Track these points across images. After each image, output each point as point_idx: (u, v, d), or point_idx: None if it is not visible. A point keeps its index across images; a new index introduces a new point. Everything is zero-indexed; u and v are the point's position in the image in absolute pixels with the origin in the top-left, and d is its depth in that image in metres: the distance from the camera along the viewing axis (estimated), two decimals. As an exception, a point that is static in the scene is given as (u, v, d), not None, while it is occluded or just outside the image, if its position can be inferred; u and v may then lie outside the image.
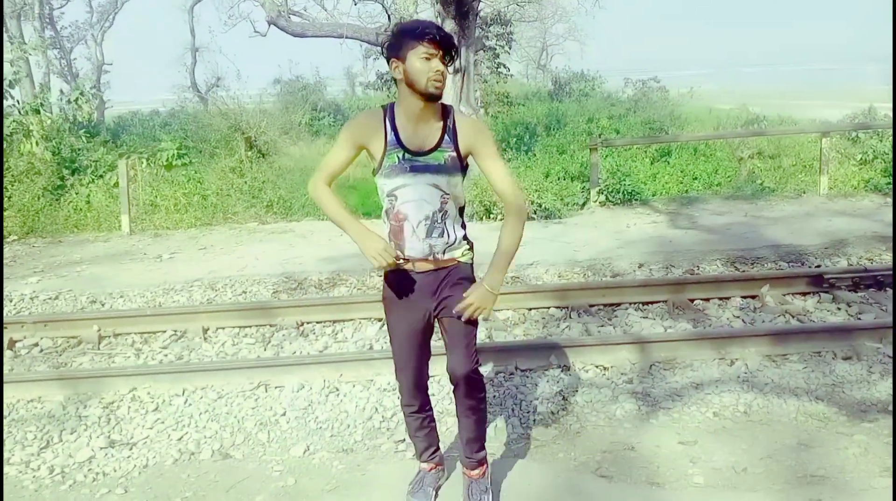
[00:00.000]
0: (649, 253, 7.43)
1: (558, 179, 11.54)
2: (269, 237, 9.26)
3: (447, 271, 2.91)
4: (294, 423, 4.19)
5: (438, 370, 4.42)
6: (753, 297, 5.93)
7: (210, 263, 7.95)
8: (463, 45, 11.46)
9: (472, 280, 2.99)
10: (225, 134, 15.04)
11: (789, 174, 12.52)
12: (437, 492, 3.34)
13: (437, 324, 3.03)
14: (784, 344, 4.78)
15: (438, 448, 3.38)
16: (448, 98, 11.30)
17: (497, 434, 3.90)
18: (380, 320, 5.69)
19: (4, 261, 8.49)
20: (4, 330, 5.72)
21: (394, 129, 2.75)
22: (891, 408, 3.97)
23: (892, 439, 3.64)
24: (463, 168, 2.83)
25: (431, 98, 2.70)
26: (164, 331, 5.78)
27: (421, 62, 2.64)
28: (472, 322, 2.95)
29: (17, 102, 14.20)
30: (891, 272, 6.00)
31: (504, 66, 23.52)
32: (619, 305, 5.91)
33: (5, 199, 10.69)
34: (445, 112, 2.80)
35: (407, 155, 2.75)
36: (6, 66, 16.60)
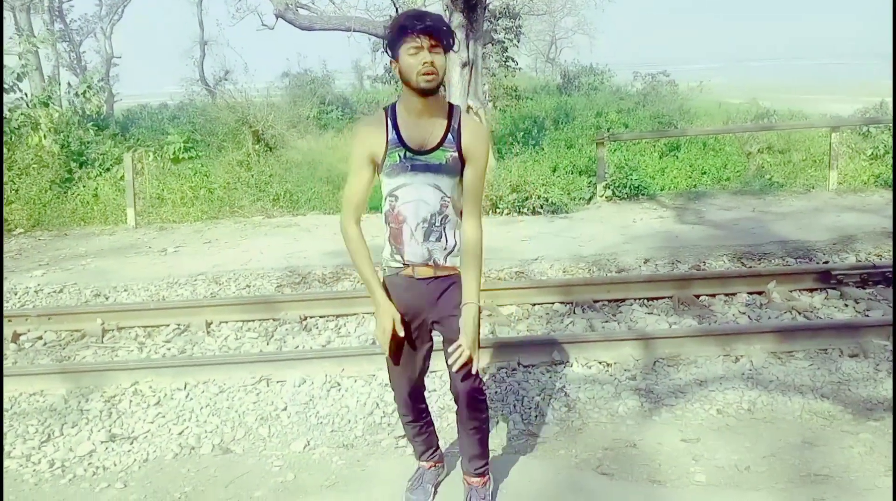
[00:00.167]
0: (655, 248, 7.38)
1: (566, 173, 11.48)
2: (275, 231, 9.25)
3: (449, 281, 2.84)
4: (295, 418, 4.17)
5: (440, 365, 4.43)
6: (760, 293, 5.87)
7: (215, 256, 7.95)
8: (471, 38, 11.39)
9: None
10: (232, 127, 15.03)
11: (799, 169, 12.42)
12: (436, 489, 3.32)
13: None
14: (790, 341, 4.73)
15: (438, 448, 3.35)
16: (456, 92, 11.25)
17: (498, 431, 3.87)
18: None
19: (10, 254, 8.51)
20: (9, 323, 5.73)
21: (395, 127, 2.70)
22: (897, 407, 3.92)
23: (893, 437, 3.60)
24: (463, 168, 2.76)
25: (425, 93, 2.61)
26: (168, 325, 5.78)
27: (409, 57, 2.57)
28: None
29: (26, 95, 14.23)
30: (899, 269, 5.94)
31: (512, 59, 23.37)
32: (623, 300, 5.88)
33: (12, 192, 10.72)
34: (451, 112, 2.74)
35: (408, 153, 2.69)
36: (15, 59, 16.64)
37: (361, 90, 31.52)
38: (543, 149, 14.33)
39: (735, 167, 13.00)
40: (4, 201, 10.51)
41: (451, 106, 2.76)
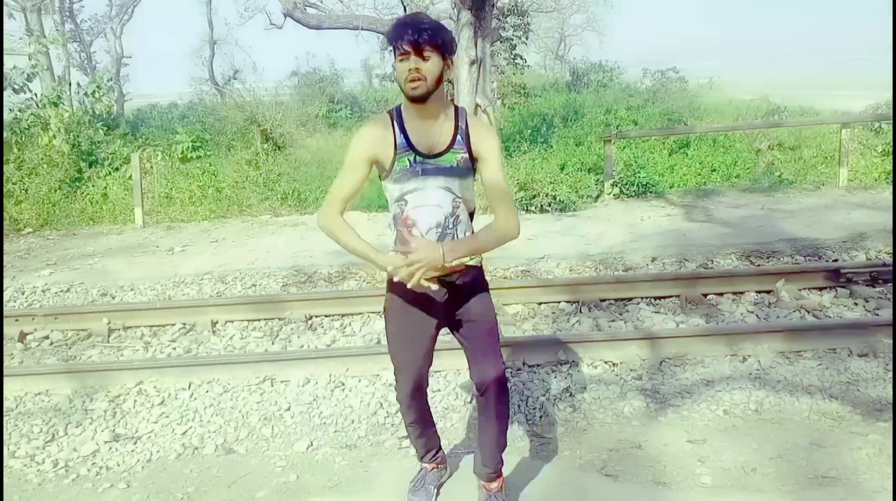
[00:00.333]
0: (663, 247, 7.33)
1: (575, 171, 11.43)
2: (282, 230, 9.25)
3: (456, 277, 2.80)
4: (298, 418, 4.16)
5: (444, 365, 4.41)
6: (768, 292, 5.82)
7: (221, 256, 7.95)
8: (479, 36, 11.36)
9: (484, 285, 2.90)
10: (241, 126, 15.07)
11: (809, 166, 12.31)
12: (438, 490, 3.30)
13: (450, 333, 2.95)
14: (798, 341, 4.68)
15: (440, 450, 3.33)
16: (464, 90, 11.22)
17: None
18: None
19: (19, 254, 8.55)
20: (16, 323, 5.75)
21: (403, 131, 2.65)
22: (907, 407, 3.87)
23: (893, 436, 3.55)
24: (474, 171, 2.74)
25: (414, 100, 2.59)
26: (174, 324, 5.78)
27: (399, 63, 2.56)
28: (494, 328, 2.89)
29: (36, 95, 14.29)
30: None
31: (521, 57, 23.33)
32: (630, 299, 5.83)
33: (22, 191, 10.77)
34: (457, 113, 2.71)
35: (418, 158, 2.64)
36: (25, 59, 16.74)
37: (370, 89, 31.54)
38: (552, 146, 14.27)
39: (745, 164, 12.90)
40: (14, 200, 10.57)
41: (456, 108, 2.72)
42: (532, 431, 3.86)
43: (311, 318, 5.76)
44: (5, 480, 3.66)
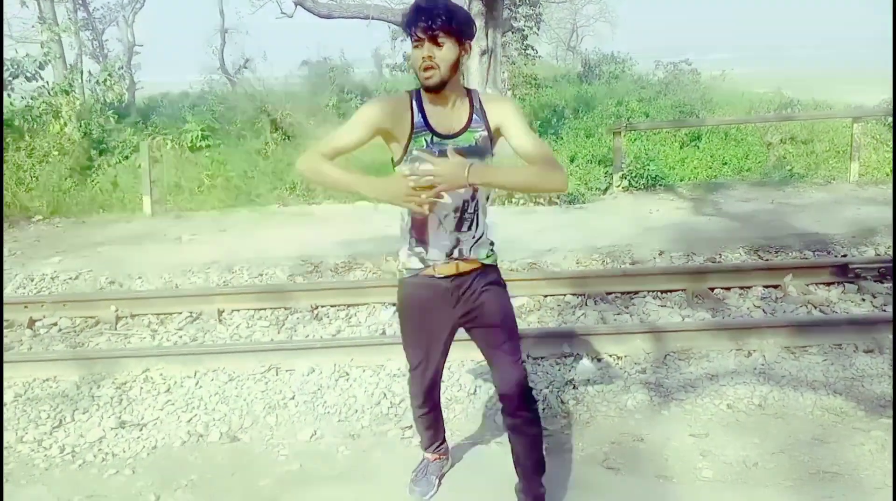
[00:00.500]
0: (671, 240, 7.30)
1: (585, 163, 11.40)
2: (289, 220, 9.27)
3: (472, 276, 2.70)
4: (302, 407, 4.18)
5: (449, 357, 4.41)
6: (776, 286, 5.79)
7: (229, 245, 7.98)
8: (490, 26, 11.33)
9: (501, 285, 2.80)
10: (251, 116, 15.08)
11: (821, 160, 12.24)
12: (440, 481, 3.31)
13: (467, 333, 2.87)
14: (804, 336, 4.67)
15: (444, 441, 3.35)
16: (475, 80, 11.20)
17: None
18: (394, 303, 5.65)
19: (29, 241, 8.61)
20: (25, 309, 5.80)
21: (421, 111, 2.56)
22: (911, 404, 3.86)
23: (893, 436, 3.53)
24: (492, 151, 2.64)
25: (427, 89, 2.52)
26: (180, 313, 5.81)
27: (413, 52, 2.49)
28: (513, 330, 2.78)
29: (48, 83, 14.36)
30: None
31: (532, 47, 23.24)
32: (637, 293, 5.82)
33: (33, 179, 10.83)
34: (471, 95, 2.63)
35: (435, 138, 2.55)
36: (36, 47, 16.80)
37: (381, 78, 31.47)
38: (562, 138, 14.24)
39: (757, 158, 12.84)
40: (25, 187, 10.64)
41: (468, 90, 2.65)
42: (535, 423, 3.87)
43: (316, 308, 5.77)
44: (13, 464, 3.70)
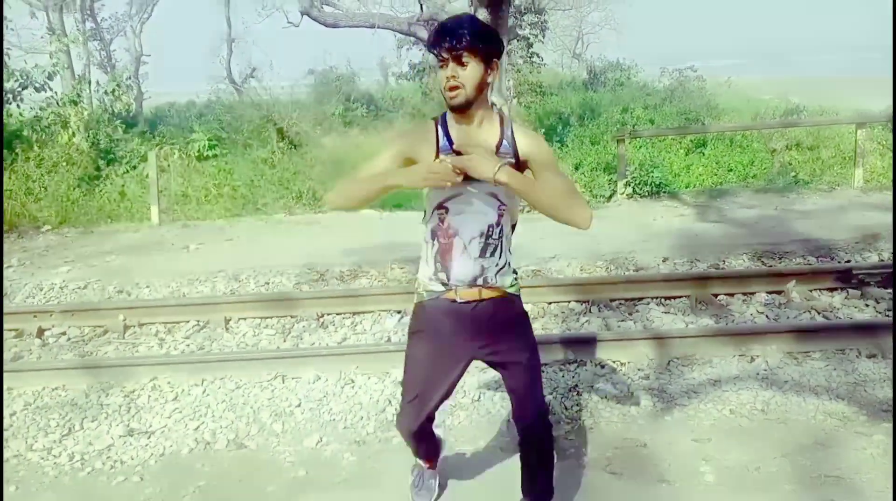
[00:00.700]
0: (674, 247, 7.33)
1: (590, 170, 11.43)
2: (296, 229, 9.33)
3: (493, 307, 2.61)
4: (308, 414, 4.22)
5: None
6: (779, 293, 5.81)
7: (235, 254, 8.04)
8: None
9: (525, 316, 2.74)
10: (258, 125, 15.20)
11: (826, 166, 12.24)
12: (440, 487, 3.33)
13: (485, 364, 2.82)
14: (807, 341, 4.69)
15: (439, 453, 3.31)
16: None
17: (509, 429, 3.88)
18: (399, 311, 5.70)
19: (38, 251, 8.68)
20: (34, 319, 5.86)
21: (446, 134, 2.52)
22: (913, 409, 3.87)
23: (893, 435, 3.55)
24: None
25: (452, 109, 2.48)
26: (188, 321, 5.87)
27: (440, 71, 2.45)
28: (536, 366, 2.76)
29: (56, 93, 14.51)
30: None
31: (537, 55, 23.31)
32: (640, 299, 5.85)
33: (41, 189, 10.93)
34: (503, 121, 2.56)
35: None
36: (45, 58, 16.96)
37: (387, 87, 31.59)
38: (567, 146, 14.29)
39: (762, 165, 12.85)
40: (34, 198, 10.74)
41: (501, 115, 2.60)
42: (538, 429, 3.90)
43: (322, 316, 5.82)
44: (23, 472, 3.75)
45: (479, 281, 2.57)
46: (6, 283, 7.10)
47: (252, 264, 7.39)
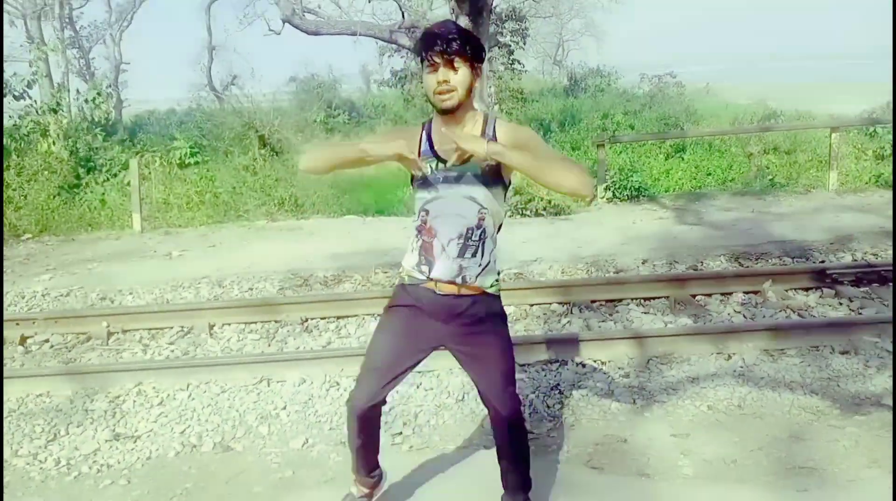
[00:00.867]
0: (653, 249, 7.45)
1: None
2: (278, 235, 9.36)
3: (471, 301, 2.65)
4: (294, 417, 4.26)
5: (436, 365, 4.50)
6: (756, 292, 5.93)
7: (218, 260, 8.06)
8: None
9: (502, 317, 2.76)
10: (239, 132, 15.22)
11: (802, 170, 12.47)
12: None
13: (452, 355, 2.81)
14: (782, 339, 4.80)
15: (378, 465, 3.10)
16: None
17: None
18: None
19: (19, 259, 8.65)
20: (16, 327, 5.85)
21: (429, 138, 2.61)
22: (884, 401, 3.98)
23: (892, 435, 3.64)
24: (503, 180, 2.62)
25: (443, 112, 2.54)
26: (171, 327, 5.88)
27: (426, 77, 2.51)
28: (510, 369, 2.75)
29: (35, 101, 14.45)
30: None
31: (518, 62, 23.51)
32: (620, 301, 5.94)
33: (21, 198, 10.89)
34: (486, 121, 2.62)
35: (440, 165, 2.56)
36: (24, 66, 16.88)
37: (368, 94, 31.69)
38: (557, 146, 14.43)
39: (740, 169, 13.08)
40: (14, 206, 10.68)
41: (485, 115, 2.64)
42: (521, 427, 3.96)
43: (307, 320, 5.86)
44: (9, 477, 3.76)
45: (458, 280, 2.61)
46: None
47: (235, 270, 7.42)
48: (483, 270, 2.63)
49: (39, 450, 4.02)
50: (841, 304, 5.63)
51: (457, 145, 2.44)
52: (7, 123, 13.82)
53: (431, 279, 2.63)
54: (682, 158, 14.09)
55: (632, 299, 5.96)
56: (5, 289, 7.20)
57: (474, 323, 2.68)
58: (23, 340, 5.78)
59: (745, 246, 7.35)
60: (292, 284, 6.93)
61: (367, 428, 2.87)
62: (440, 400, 4.31)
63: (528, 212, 9.65)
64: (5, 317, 6.04)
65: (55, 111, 13.84)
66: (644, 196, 10.66)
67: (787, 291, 5.92)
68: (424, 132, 2.64)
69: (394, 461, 3.67)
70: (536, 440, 3.82)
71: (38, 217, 10.46)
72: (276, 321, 5.88)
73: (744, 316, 5.55)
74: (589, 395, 4.27)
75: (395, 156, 2.54)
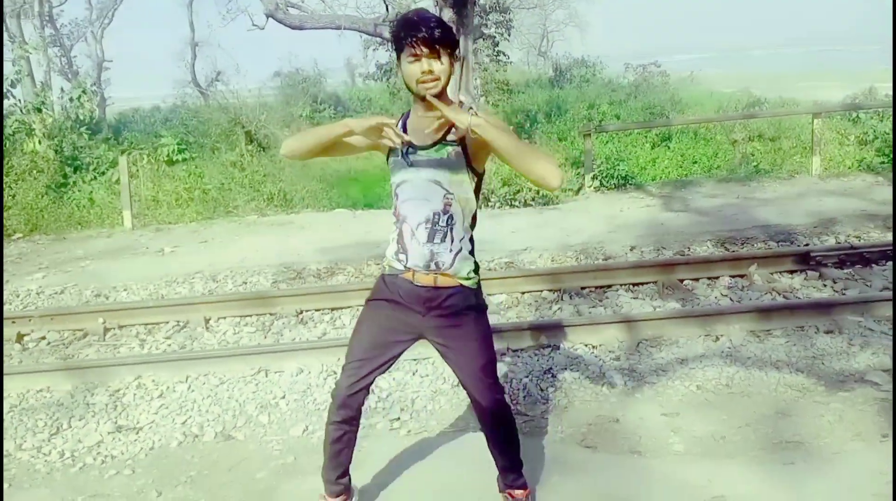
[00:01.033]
0: (641, 236, 7.56)
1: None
2: (269, 230, 9.41)
3: (448, 293, 2.66)
4: (293, 405, 4.34)
5: (432, 352, 4.58)
6: (742, 276, 6.05)
7: (211, 255, 8.11)
8: (461, 34, 11.54)
9: (480, 309, 2.76)
10: (225, 128, 15.21)
11: (787, 156, 12.62)
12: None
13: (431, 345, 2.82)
14: (768, 320, 4.92)
15: (348, 473, 3.09)
16: (447, 88, 11.39)
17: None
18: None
19: (11, 258, 8.66)
20: (12, 325, 5.88)
21: (404, 125, 2.66)
22: (867, 378, 4.11)
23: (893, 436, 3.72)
24: (472, 168, 2.62)
25: (426, 99, 2.54)
26: (167, 322, 5.94)
27: (408, 66, 2.50)
28: (490, 360, 2.78)
29: (19, 101, 14.36)
30: (876, 249, 6.15)
31: (503, 53, 23.55)
32: (610, 287, 6.05)
33: (10, 197, 10.87)
34: (461, 105, 2.62)
35: (409, 149, 2.60)
36: (7, 65, 16.77)
37: (354, 88, 31.67)
38: (535, 142, 14.52)
39: (725, 156, 13.22)
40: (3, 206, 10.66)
41: (460, 103, 2.66)
42: (516, 410, 4.05)
43: (301, 312, 5.93)
44: (14, 470, 3.82)
45: (433, 266, 2.62)
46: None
47: (229, 265, 7.47)
48: (455, 256, 2.63)
49: (43, 443, 4.09)
50: (825, 285, 5.76)
51: (440, 113, 2.46)
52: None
53: (409, 269, 2.66)
54: (668, 147, 14.22)
55: (621, 285, 6.07)
56: None
57: (452, 316, 2.69)
58: (20, 337, 5.83)
59: (731, 231, 7.48)
60: (286, 277, 6.99)
61: (346, 422, 2.88)
62: (436, 386, 4.40)
63: (516, 202, 9.76)
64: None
65: (39, 110, 13.76)
66: (631, 185, 10.78)
67: (772, 274, 6.05)
68: (401, 122, 2.68)
69: (392, 445, 3.77)
70: (531, 421, 3.93)
71: (28, 216, 10.45)
72: (271, 314, 5.95)
73: (730, 299, 5.67)
74: (581, 378, 4.38)
75: (376, 127, 2.57)
